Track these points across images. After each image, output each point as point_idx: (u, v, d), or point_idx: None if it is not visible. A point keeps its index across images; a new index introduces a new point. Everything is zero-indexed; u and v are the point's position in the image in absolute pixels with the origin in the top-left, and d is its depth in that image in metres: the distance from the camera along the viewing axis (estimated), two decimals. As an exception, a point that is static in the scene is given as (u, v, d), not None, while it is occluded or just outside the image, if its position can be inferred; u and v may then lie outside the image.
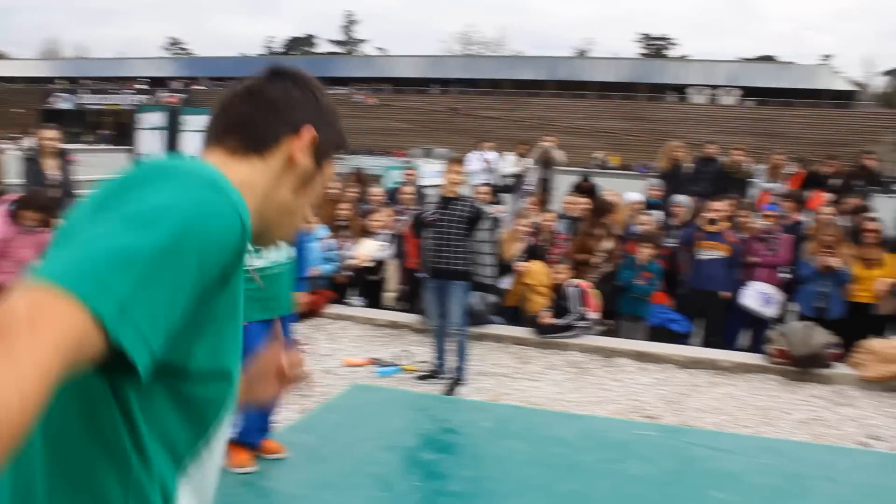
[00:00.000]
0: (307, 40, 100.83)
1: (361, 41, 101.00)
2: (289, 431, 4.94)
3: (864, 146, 27.87)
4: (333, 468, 4.37)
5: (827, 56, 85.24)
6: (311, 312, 7.83)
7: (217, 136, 1.34)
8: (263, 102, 1.34)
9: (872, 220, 7.90)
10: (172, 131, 11.16)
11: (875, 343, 6.89)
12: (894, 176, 11.95)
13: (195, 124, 10.70)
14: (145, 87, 69.45)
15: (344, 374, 6.33)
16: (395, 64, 74.84)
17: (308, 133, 1.34)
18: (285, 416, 5.32)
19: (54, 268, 0.91)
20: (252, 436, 4.28)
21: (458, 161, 6.31)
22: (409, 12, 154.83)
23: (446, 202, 6.03)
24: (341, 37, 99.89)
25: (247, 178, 1.29)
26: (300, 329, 7.44)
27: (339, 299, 8.33)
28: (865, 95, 73.91)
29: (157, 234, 0.97)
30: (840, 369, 6.84)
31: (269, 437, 4.50)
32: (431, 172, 12.92)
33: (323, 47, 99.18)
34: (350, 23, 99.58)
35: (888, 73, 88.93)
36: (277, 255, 4.18)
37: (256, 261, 4.07)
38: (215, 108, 1.38)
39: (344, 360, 6.69)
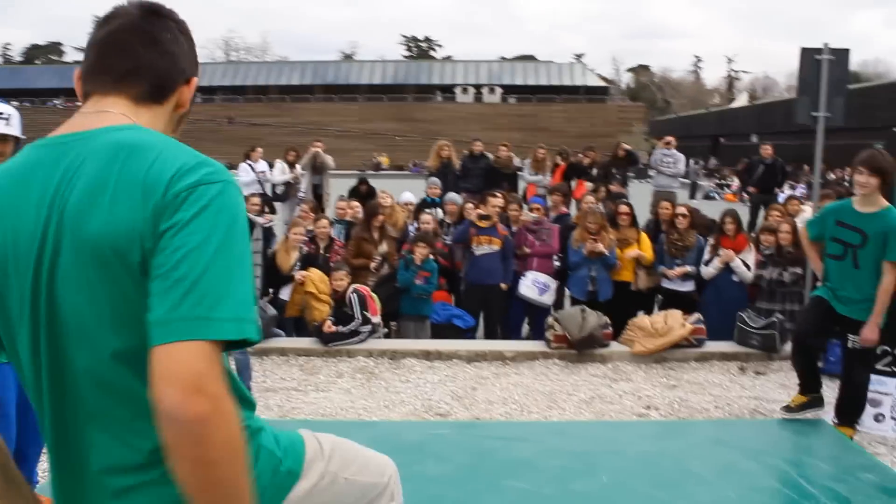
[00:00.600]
0: (53, 48, 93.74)
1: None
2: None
3: (619, 137, 30.06)
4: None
5: (579, 55, 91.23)
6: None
7: (118, 79, 1.44)
8: (164, 51, 1.47)
9: (625, 204, 8.49)
10: None
11: (641, 319, 7.39)
12: (652, 165, 12.85)
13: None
14: None
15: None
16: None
17: (194, 82, 1.53)
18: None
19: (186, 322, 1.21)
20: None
21: None
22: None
23: None
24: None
25: (150, 123, 1.45)
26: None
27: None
28: (616, 90, 79.86)
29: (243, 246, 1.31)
30: (614, 347, 7.27)
31: (34, 490, 4.06)
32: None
33: (72, 55, 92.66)
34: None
35: (631, 69, 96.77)
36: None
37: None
38: (106, 46, 1.46)
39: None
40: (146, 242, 1.26)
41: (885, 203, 5.11)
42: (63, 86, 69.71)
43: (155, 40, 1.46)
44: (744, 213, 10.53)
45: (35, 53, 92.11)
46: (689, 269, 7.86)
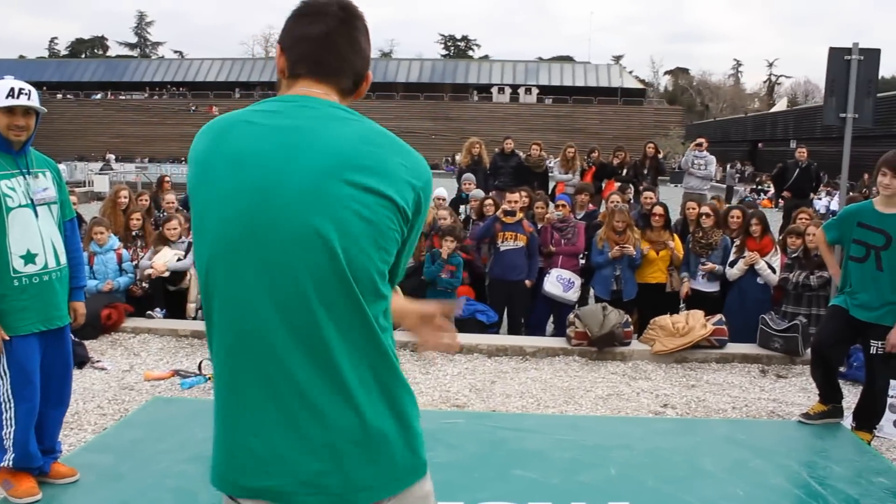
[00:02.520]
0: (97, 41, 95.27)
1: (157, 43, 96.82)
2: (81, 452, 4.63)
3: (655, 140, 29.86)
4: (131, 486, 4.14)
5: (618, 57, 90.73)
6: (107, 327, 7.41)
7: (330, 73, 1.72)
8: (359, 51, 1.75)
9: (660, 204, 8.47)
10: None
11: (663, 319, 7.38)
12: (683, 167, 12.77)
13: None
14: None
15: (145, 390, 6.02)
16: (196, 68, 72.35)
17: (370, 75, 1.80)
18: (78, 437, 5.00)
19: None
20: (35, 460, 3.96)
21: None
22: (206, 14, 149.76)
23: None
24: (134, 38, 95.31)
25: None
26: (96, 346, 7.05)
27: (138, 312, 7.92)
28: (653, 93, 79.34)
29: None
30: (635, 346, 7.28)
31: (58, 460, 4.20)
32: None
33: (115, 49, 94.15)
34: (143, 24, 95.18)
35: (670, 72, 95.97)
36: (51, 260, 3.89)
37: (28, 267, 3.78)
38: (319, 43, 1.70)
39: (146, 374, 6.37)
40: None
41: None
42: (107, 79, 71.02)
43: (355, 42, 1.73)
44: (779, 218, 10.44)
45: (80, 48, 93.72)
46: (717, 267, 7.83)
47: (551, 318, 8.37)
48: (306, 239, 1.54)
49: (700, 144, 12.57)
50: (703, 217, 8.02)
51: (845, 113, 7.39)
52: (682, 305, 8.10)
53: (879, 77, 8.11)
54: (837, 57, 7.39)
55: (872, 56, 7.38)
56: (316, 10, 1.71)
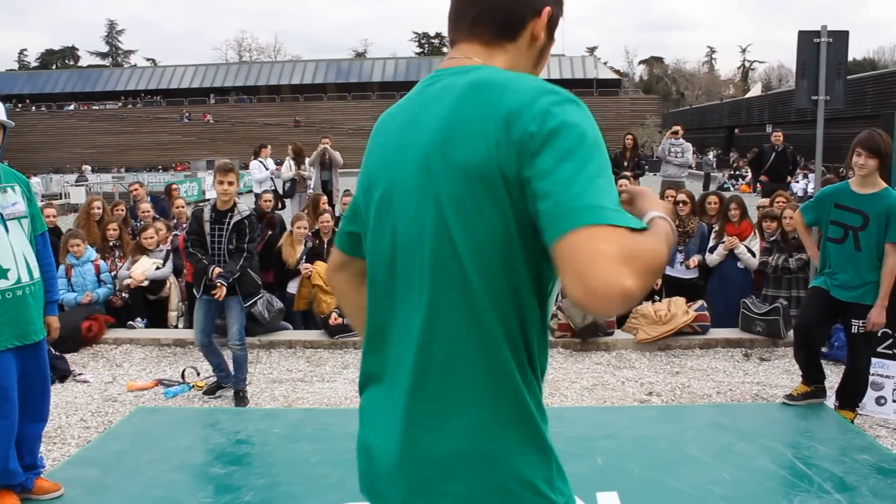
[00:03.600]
0: (68, 52, 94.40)
1: (129, 52, 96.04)
2: (65, 466, 4.58)
3: (632, 129, 29.98)
4: (116, 498, 4.10)
5: (592, 48, 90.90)
6: (88, 339, 7.35)
7: (469, 27, 1.51)
8: None
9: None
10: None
11: (645, 307, 7.41)
12: (659, 155, 12.82)
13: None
14: None
15: (129, 401, 5.97)
16: (169, 75, 71.85)
17: (546, 14, 1.50)
18: (62, 451, 4.95)
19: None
20: (17, 477, 3.92)
21: (230, 170, 5.73)
22: (177, 21, 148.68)
23: (220, 214, 5.76)
24: (105, 48, 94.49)
25: (507, 65, 1.49)
26: (77, 358, 6.99)
27: (119, 323, 7.86)
28: (629, 83, 79.60)
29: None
30: (618, 335, 7.30)
31: (41, 475, 4.15)
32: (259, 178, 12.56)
33: (87, 59, 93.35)
34: (114, 32, 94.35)
35: (644, 62, 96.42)
36: (24, 275, 3.85)
37: (0, 282, 3.73)
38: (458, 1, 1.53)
39: (129, 384, 6.32)
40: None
41: (884, 184, 5.11)
42: (79, 89, 70.38)
43: None
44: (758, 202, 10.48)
45: (51, 59, 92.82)
46: (698, 258, 7.85)
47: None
48: None
49: (676, 132, 12.63)
50: (680, 204, 8.05)
51: (817, 95, 7.44)
52: (655, 297, 8.11)
53: (849, 59, 8.16)
54: (807, 40, 7.43)
55: (841, 38, 7.43)
56: None
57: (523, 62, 1.54)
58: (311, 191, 12.44)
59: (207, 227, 5.73)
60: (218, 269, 5.60)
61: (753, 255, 7.72)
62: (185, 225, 7.95)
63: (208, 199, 10.56)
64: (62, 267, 7.62)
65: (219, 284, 5.58)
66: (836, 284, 5.20)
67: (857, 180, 5.15)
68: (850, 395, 5.40)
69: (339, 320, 7.20)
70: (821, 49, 7.35)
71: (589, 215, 1.15)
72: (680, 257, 7.96)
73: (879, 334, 5.50)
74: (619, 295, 1.10)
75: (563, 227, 1.16)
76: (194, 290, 5.91)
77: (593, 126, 1.31)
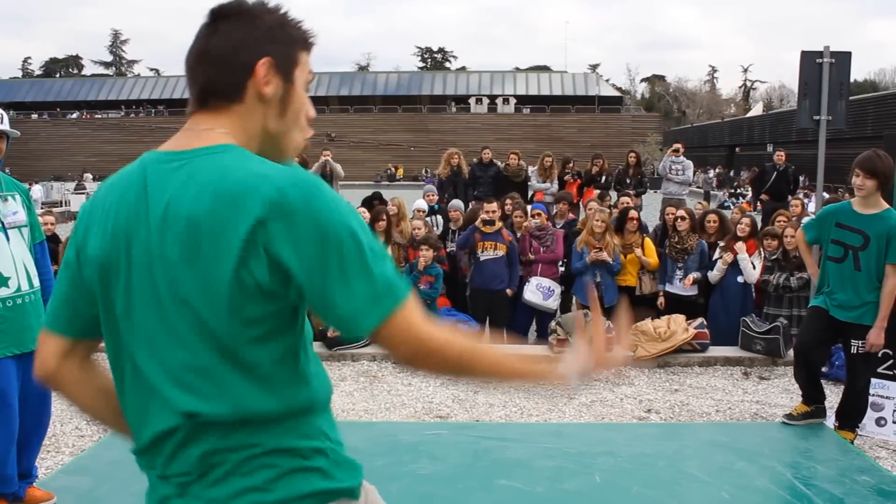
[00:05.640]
0: (72, 61, 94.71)
1: (133, 61, 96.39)
2: (59, 475, 4.55)
3: (633, 147, 30.02)
4: (110, 509, 4.08)
5: (594, 65, 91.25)
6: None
7: (198, 103, 1.49)
8: (216, 60, 1.46)
9: (634, 209, 8.49)
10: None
11: (645, 324, 7.38)
12: (660, 173, 12.83)
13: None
14: None
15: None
16: (172, 85, 71.98)
17: (262, 67, 1.46)
18: (55, 459, 4.92)
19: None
20: (12, 485, 3.89)
21: None
22: (181, 31, 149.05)
23: None
24: (109, 57, 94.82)
25: (239, 125, 1.48)
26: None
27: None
28: (630, 101, 79.84)
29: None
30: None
31: (33, 484, 4.12)
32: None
33: (90, 68, 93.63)
34: (118, 42, 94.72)
35: (646, 79, 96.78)
36: (24, 283, 3.83)
37: (0, 290, 3.72)
38: (187, 76, 1.51)
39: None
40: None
41: (885, 205, 5.10)
42: (82, 98, 70.57)
43: (206, 56, 1.47)
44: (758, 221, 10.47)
45: (55, 67, 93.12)
46: (696, 275, 7.84)
47: (534, 326, 8.35)
48: None
49: (677, 150, 12.62)
50: (679, 220, 8.03)
51: (819, 115, 7.44)
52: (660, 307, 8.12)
53: (851, 80, 8.18)
54: (809, 60, 7.44)
55: (843, 59, 7.44)
56: None
57: (261, 118, 1.50)
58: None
59: None
60: None
61: (754, 267, 7.71)
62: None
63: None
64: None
65: None
66: (836, 304, 5.19)
67: (859, 200, 5.15)
68: (850, 416, 5.37)
69: (337, 332, 7.16)
70: (823, 69, 7.36)
71: None
72: (679, 275, 7.95)
73: (880, 355, 5.47)
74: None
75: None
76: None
77: None
